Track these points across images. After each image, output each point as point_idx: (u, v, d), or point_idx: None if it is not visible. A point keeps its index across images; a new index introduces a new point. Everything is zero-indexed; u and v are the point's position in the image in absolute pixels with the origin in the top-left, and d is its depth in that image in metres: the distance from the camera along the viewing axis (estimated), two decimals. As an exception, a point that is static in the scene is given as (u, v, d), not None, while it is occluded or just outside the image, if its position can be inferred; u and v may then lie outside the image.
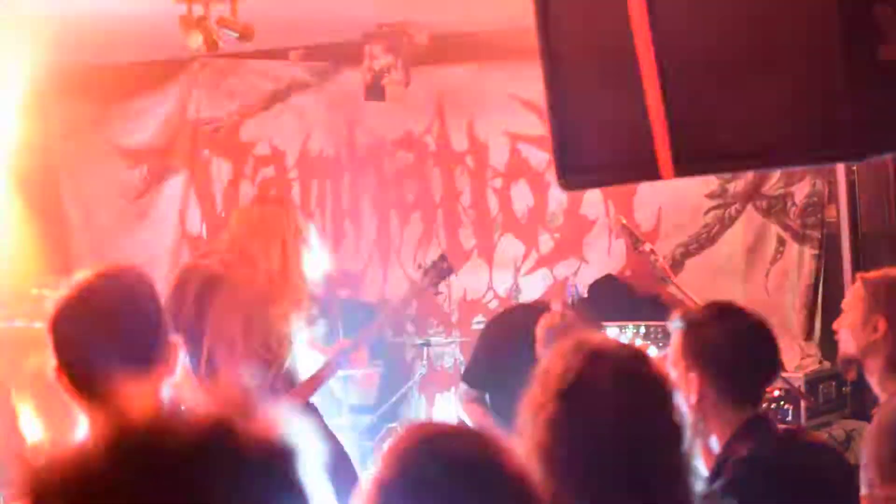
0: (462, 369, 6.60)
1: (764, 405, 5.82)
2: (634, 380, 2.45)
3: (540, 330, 5.17)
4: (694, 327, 3.45)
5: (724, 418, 3.39)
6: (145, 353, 2.71)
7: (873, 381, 4.11)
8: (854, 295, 4.18)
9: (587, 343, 2.51)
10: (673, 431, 2.44)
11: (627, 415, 2.41)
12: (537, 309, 5.56)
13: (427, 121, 8.10)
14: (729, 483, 3.24)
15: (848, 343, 4.17)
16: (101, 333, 2.69)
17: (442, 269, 6.37)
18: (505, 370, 5.47)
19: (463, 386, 5.83)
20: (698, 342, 3.41)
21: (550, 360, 2.50)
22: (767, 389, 3.63)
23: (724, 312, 3.54)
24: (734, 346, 3.41)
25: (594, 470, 2.38)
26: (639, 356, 2.56)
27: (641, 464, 2.39)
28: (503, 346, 5.60)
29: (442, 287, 6.50)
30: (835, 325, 4.34)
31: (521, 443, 2.45)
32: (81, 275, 2.82)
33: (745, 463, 3.27)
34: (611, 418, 2.39)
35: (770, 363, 3.56)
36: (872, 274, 4.24)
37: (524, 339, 5.38)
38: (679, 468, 2.44)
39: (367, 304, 7.70)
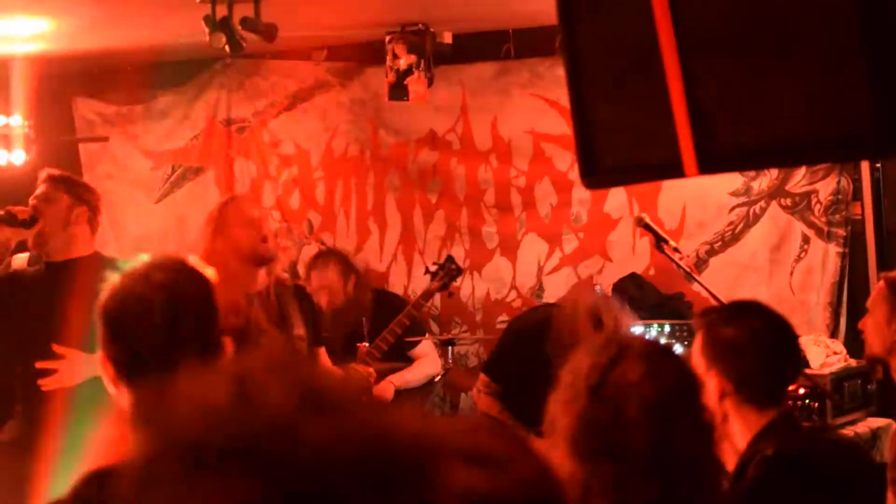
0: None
1: (789, 403, 5.81)
2: (663, 377, 2.45)
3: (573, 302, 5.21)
4: (714, 327, 3.44)
5: (747, 417, 3.39)
6: (195, 344, 2.70)
7: None
8: (877, 294, 4.17)
9: (616, 340, 2.52)
10: (700, 428, 2.45)
11: (655, 411, 2.41)
12: (562, 307, 5.57)
13: (450, 120, 8.10)
14: (754, 482, 3.23)
15: (873, 342, 4.15)
16: (150, 322, 2.69)
17: (450, 271, 6.48)
18: (526, 366, 5.50)
19: (482, 378, 5.85)
20: (718, 342, 3.40)
21: (580, 356, 2.51)
22: (792, 387, 3.61)
23: (744, 312, 3.53)
24: (754, 347, 3.39)
25: (623, 465, 2.39)
26: (667, 353, 2.57)
27: (669, 460, 2.40)
28: (526, 342, 5.62)
29: (453, 287, 6.63)
30: (860, 325, 4.32)
31: (546, 439, 2.46)
32: (133, 264, 2.82)
33: (770, 461, 3.26)
34: (639, 415, 2.40)
35: (791, 364, 3.55)
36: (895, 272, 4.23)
37: (547, 335, 5.39)
38: (706, 464, 2.45)
39: (395, 294, 7.75)
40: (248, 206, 5.29)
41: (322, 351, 5.52)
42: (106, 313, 2.74)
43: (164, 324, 2.69)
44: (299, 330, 5.33)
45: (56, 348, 4.99)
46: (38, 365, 5.01)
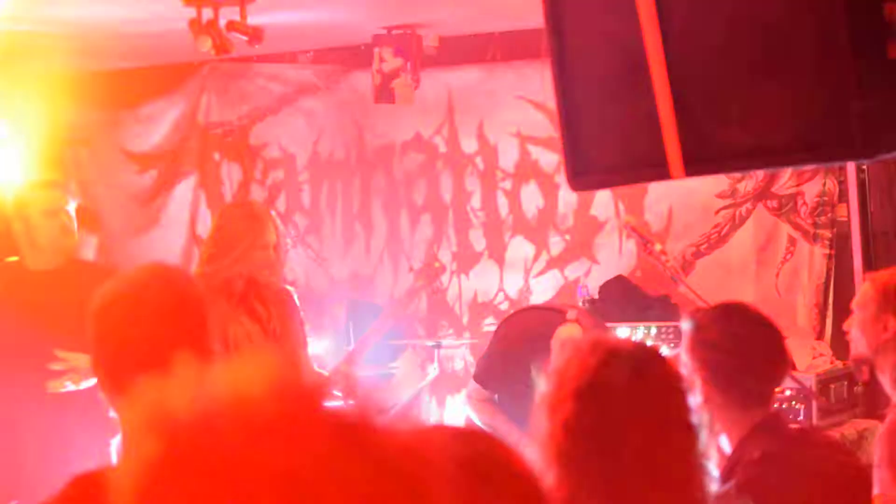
0: (473, 369, 6.62)
1: (776, 405, 5.82)
2: (650, 379, 2.45)
3: (556, 342, 5.18)
4: (700, 329, 3.44)
5: (733, 419, 3.39)
6: (186, 350, 2.69)
7: (885, 381, 4.10)
8: (863, 295, 4.17)
9: (603, 343, 2.51)
10: (688, 431, 2.45)
11: (643, 415, 2.41)
12: (552, 312, 5.57)
13: (436, 123, 8.10)
14: (742, 484, 3.23)
15: (859, 343, 4.16)
16: (141, 331, 2.69)
17: (433, 269, 6.46)
18: (517, 372, 5.49)
19: (473, 384, 5.84)
20: (703, 344, 3.41)
21: (566, 360, 2.51)
22: (778, 389, 3.61)
23: (729, 314, 3.53)
24: (738, 349, 3.40)
25: (609, 469, 2.39)
26: (654, 356, 2.57)
27: (657, 463, 2.39)
28: (516, 348, 5.61)
29: (437, 287, 6.62)
30: (845, 326, 4.33)
31: (534, 444, 2.45)
32: (126, 272, 2.82)
33: (758, 464, 3.27)
34: (626, 418, 2.40)
35: (777, 365, 3.55)
36: (881, 273, 4.23)
37: (537, 342, 5.38)
38: (694, 468, 2.45)
39: (377, 305, 7.70)
40: (271, 231, 5.34)
41: (306, 353, 5.53)
42: (95, 320, 2.73)
43: (153, 330, 2.69)
44: (285, 332, 5.35)
45: (59, 353, 5.00)
46: (51, 366, 5.02)
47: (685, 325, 3.50)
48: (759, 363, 3.45)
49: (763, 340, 3.47)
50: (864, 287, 4.20)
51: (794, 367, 6.18)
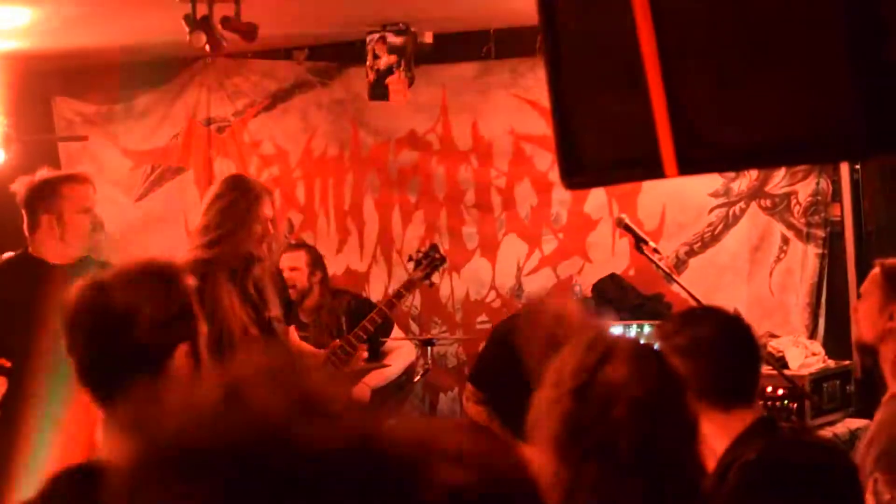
0: (467, 369, 6.61)
1: (768, 404, 5.82)
2: (650, 377, 2.45)
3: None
4: (668, 337, 3.45)
5: (717, 420, 3.39)
6: (154, 352, 2.67)
7: (886, 370, 4.09)
8: (871, 280, 4.15)
9: (601, 339, 2.52)
10: (684, 428, 2.45)
11: (642, 411, 2.41)
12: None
13: (431, 120, 8.10)
14: (737, 487, 3.23)
15: (864, 329, 4.14)
16: (116, 332, 2.67)
17: (434, 260, 6.40)
18: (513, 375, 5.49)
19: (469, 386, 5.85)
20: (674, 351, 3.41)
21: (564, 356, 2.51)
22: (759, 387, 3.60)
23: (692, 319, 3.54)
24: (702, 352, 3.39)
25: (608, 465, 2.39)
26: (653, 353, 2.57)
27: (654, 460, 2.40)
28: (512, 352, 5.61)
29: (435, 278, 6.57)
30: (852, 309, 4.31)
31: (532, 439, 2.45)
32: (116, 270, 2.80)
33: (752, 466, 3.27)
34: (626, 415, 2.40)
35: (746, 364, 3.54)
36: (892, 261, 4.19)
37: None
38: (690, 465, 2.45)
39: (370, 301, 7.69)
40: (268, 205, 5.33)
41: (293, 329, 5.54)
42: (67, 321, 2.71)
43: (145, 333, 2.67)
44: (275, 311, 5.37)
45: None
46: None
47: (657, 334, 3.51)
48: (728, 363, 3.45)
49: (728, 341, 3.47)
50: (874, 272, 4.17)
51: (786, 367, 6.20)
